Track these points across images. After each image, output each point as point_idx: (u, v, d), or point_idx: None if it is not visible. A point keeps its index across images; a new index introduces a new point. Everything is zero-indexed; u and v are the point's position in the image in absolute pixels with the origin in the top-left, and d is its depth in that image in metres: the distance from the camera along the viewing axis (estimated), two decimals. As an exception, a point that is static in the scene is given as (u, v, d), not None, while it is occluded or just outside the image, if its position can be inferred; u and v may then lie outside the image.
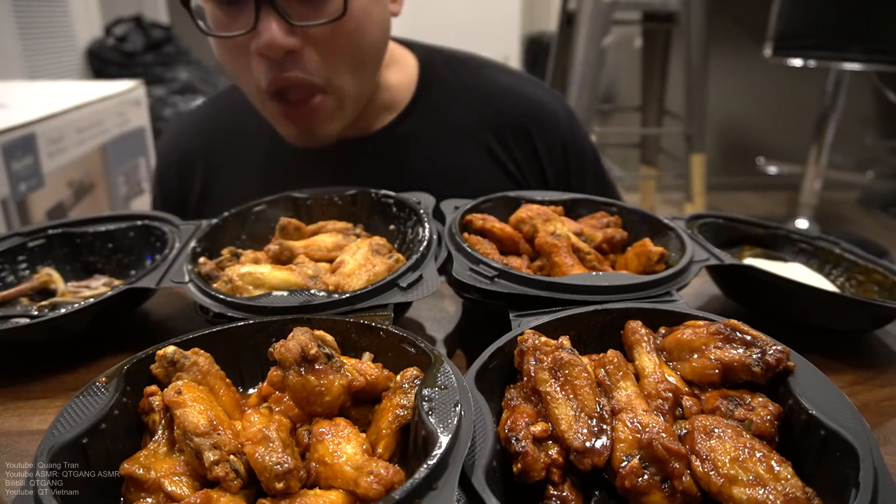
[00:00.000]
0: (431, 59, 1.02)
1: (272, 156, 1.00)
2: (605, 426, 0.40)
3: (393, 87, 0.98)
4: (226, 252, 0.66)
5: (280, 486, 0.37)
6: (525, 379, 0.44)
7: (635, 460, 0.38)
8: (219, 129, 1.04)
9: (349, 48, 0.79)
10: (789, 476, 0.36)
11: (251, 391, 0.50)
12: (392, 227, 0.74)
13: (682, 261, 0.62)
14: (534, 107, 1.01)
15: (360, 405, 0.45)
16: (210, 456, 0.38)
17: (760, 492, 0.35)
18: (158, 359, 0.45)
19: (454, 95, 1.00)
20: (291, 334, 0.43)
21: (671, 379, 0.46)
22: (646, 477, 0.37)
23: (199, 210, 1.04)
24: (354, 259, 0.63)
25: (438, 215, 0.72)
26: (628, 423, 0.40)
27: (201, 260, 0.64)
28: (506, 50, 3.85)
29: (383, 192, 0.75)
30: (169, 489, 0.38)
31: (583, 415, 0.40)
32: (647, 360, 0.47)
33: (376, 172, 0.97)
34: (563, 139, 1.01)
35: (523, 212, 0.70)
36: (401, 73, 1.00)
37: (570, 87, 2.78)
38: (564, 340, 0.46)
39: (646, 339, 0.49)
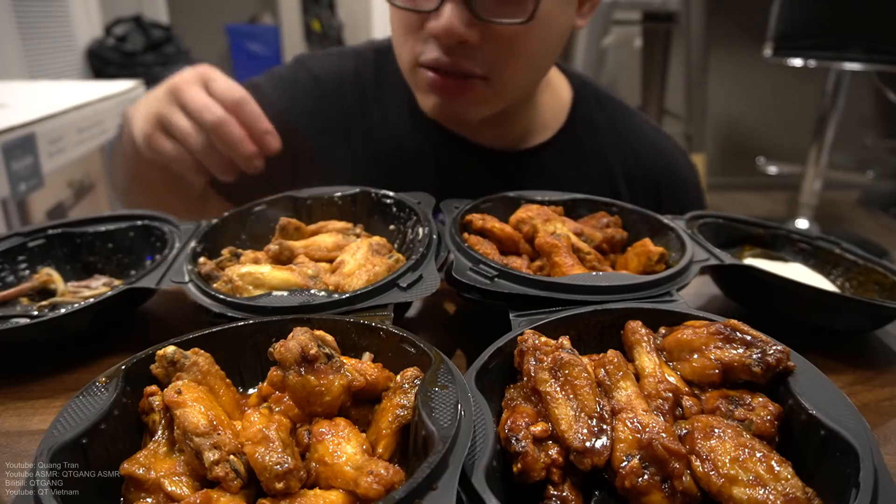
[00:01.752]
0: (585, 94, 1.03)
1: (396, 136, 0.97)
2: (605, 426, 0.40)
3: (543, 110, 0.98)
4: (226, 252, 0.66)
5: (280, 486, 0.36)
6: (525, 379, 0.44)
7: (635, 460, 0.38)
8: (358, 87, 0.99)
9: (525, 52, 0.79)
10: (789, 476, 0.36)
11: (251, 391, 0.50)
12: (392, 226, 0.74)
13: (682, 261, 0.62)
14: (669, 166, 1.03)
15: (360, 405, 0.45)
16: (210, 456, 0.38)
17: (760, 492, 0.35)
18: (158, 359, 0.45)
19: (599, 136, 1.01)
20: (291, 334, 0.43)
21: (671, 379, 0.46)
22: (646, 477, 0.37)
23: (302, 159, 0.98)
24: (354, 259, 0.62)
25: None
26: (628, 423, 0.40)
27: (201, 260, 0.64)
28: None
29: (383, 192, 0.75)
30: (169, 489, 0.38)
31: (583, 415, 0.40)
32: (647, 360, 0.47)
33: (503, 190, 0.97)
34: (687, 203, 1.02)
35: (523, 212, 0.70)
36: (554, 97, 1.00)
37: (570, 87, 2.78)
38: (564, 340, 0.46)
39: (646, 339, 0.49)
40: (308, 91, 0.99)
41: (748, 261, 0.73)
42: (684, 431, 0.41)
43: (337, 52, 1.04)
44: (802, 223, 3.12)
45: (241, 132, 0.75)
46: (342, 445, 0.39)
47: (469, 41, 0.74)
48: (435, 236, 0.66)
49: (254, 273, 0.60)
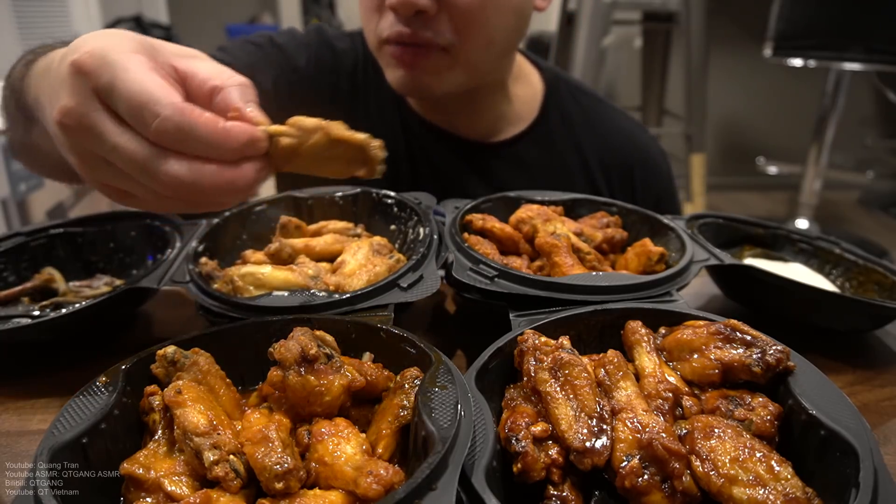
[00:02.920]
0: (557, 86, 1.04)
1: (381, 122, 0.99)
2: (605, 426, 0.40)
3: (516, 102, 1.00)
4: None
5: (280, 486, 0.37)
6: (525, 379, 0.44)
7: (635, 460, 0.38)
8: (363, 69, 1.01)
9: (481, 20, 0.81)
10: (789, 476, 0.36)
11: (251, 391, 0.50)
12: (393, 227, 0.74)
13: (682, 261, 0.62)
14: (642, 154, 1.05)
15: (360, 405, 0.45)
16: (210, 456, 0.38)
17: (760, 492, 0.35)
18: (158, 359, 0.45)
19: (574, 126, 1.03)
20: (291, 334, 0.43)
21: (671, 379, 0.46)
22: (646, 477, 0.37)
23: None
24: (355, 259, 0.63)
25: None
26: (628, 423, 0.40)
27: (202, 259, 0.64)
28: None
29: (384, 191, 0.75)
30: (169, 489, 0.38)
31: (583, 415, 0.40)
32: (647, 360, 0.47)
33: (478, 181, 0.98)
34: (659, 190, 1.05)
35: (523, 212, 0.70)
36: (525, 89, 1.02)
37: (570, 87, 2.79)
38: (564, 340, 0.46)
39: (646, 339, 0.49)
40: (326, 60, 1.01)
41: (748, 261, 0.73)
42: (684, 431, 0.41)
43: (349, 33, 1.06)
44: (802, 223, 3.13)
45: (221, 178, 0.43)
46: (342, 445, 0.39)
47: (426, 10, 0.77)
48: (436, 236, 0.66)
49: (255, 273, 0.60)
